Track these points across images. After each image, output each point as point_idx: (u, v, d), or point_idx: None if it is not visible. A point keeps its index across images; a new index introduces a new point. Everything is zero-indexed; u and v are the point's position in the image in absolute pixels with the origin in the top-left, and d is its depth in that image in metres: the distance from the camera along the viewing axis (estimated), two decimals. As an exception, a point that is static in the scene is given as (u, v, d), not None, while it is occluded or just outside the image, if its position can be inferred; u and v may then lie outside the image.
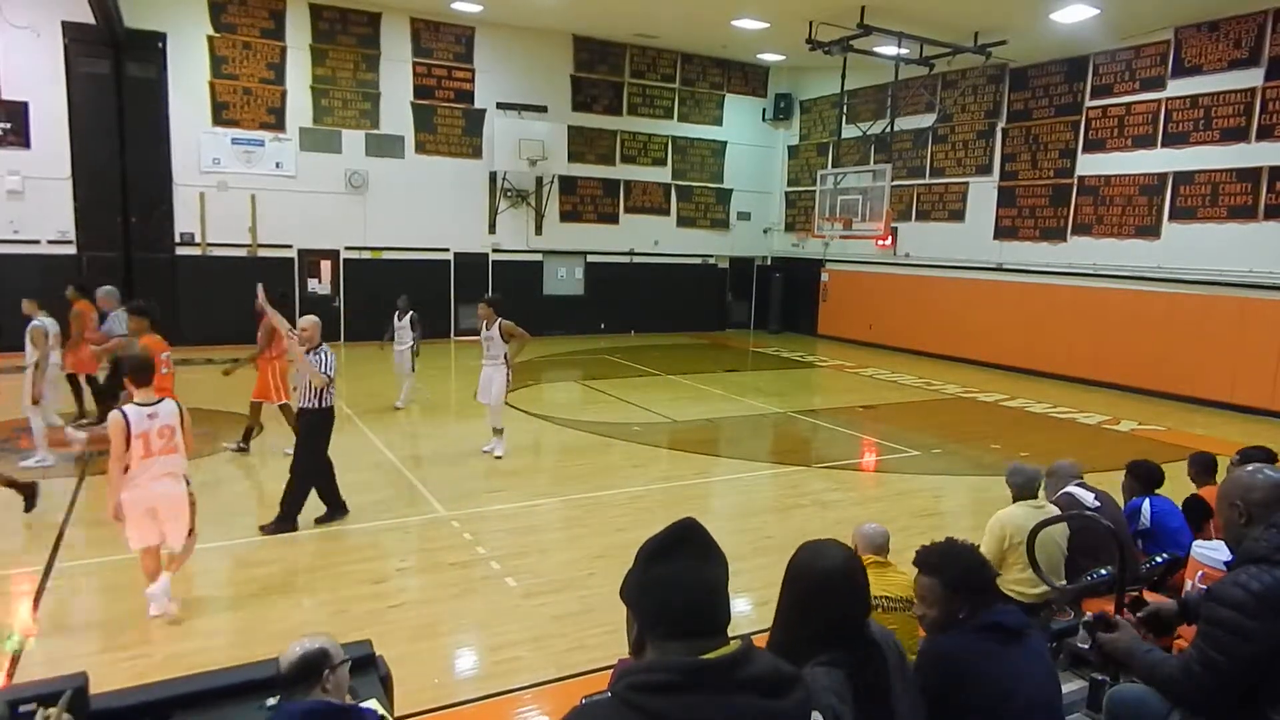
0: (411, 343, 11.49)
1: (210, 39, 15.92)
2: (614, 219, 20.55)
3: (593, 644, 4.98)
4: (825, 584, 2.12)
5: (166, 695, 2.97)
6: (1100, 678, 3.22)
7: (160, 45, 15.51)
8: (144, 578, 5.31)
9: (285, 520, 6.75)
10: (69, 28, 14.60)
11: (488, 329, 9.09)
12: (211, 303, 15.50)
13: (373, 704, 2.97)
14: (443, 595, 5.73)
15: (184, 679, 3.20)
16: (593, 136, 19.88)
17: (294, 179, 16.83)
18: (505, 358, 9.06)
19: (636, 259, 20.90)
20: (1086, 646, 3.51)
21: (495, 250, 19.15)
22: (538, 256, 19.78)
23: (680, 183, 21.22)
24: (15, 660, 4.73)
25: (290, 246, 17.04)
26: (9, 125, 14.50)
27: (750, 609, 5.60)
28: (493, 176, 18.77)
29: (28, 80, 14.49)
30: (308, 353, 6.69)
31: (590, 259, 20.49)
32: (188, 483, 5.37)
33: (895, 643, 2.29)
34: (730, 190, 21.98)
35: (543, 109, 18.93)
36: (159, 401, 5.16)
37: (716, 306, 22.57)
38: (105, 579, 5.98)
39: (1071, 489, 4.89)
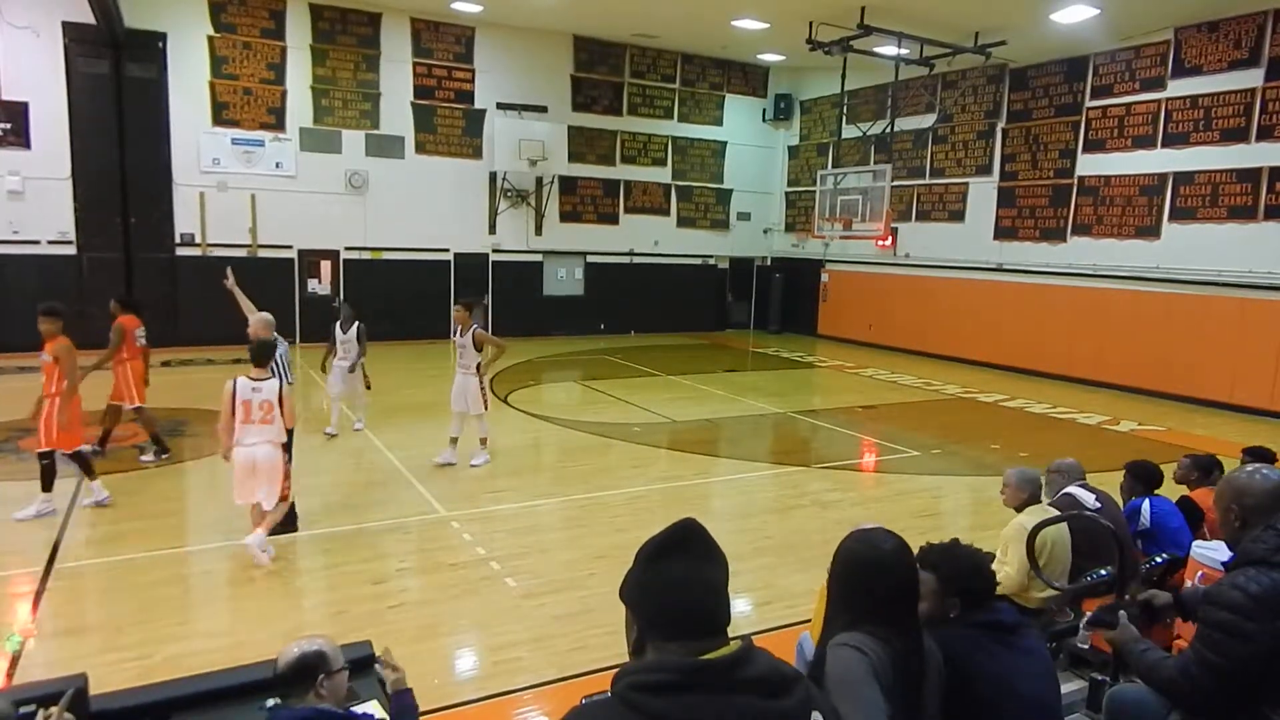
0: (356, 358, 9.94)
1: (210, 39, 15.92)
2: (614, 219, 20.56)
3: (594, 644, 4.98)
4: (880, 563, 2.23)
5: (166, 696, 2.97)
6: (1100, 678, 3.22)
7: (160, 45, 15.51)
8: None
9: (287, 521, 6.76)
10: (69, 28, 14.60)
11: (461, 335, 8.76)
12: (211, 303, 15.43)
13: (373, 706, 2.98)
14: (443, 596, 5.73)
15: (183, 680, 3.20)
16: (593, 136, 19.88)
17: (294, 179, 16.83)
18: (478, 367, 8.74)
19: (636, 259, 20.91)
20: (1086, 646, 3.51)
21: (495, 250, 19.16)
22: (538, 257, 19.79)
23: (680, 183, 21.23)
24: (15, 661, 4.73)
25: (290, 247, 17.05)
26: (9, 125, 14.50)
27: (750, 609, 5.60)
28: (493, 177, 18.78)
29: (28, 80, 14.50)
30: None
31: (590, 259, 20.49)
32: (287, 453, 6.30)
33: (936, 649, 2.36)
34: (730, 190, 21.99)
35: (543, 109, 18.94)
36: (267, 379, 6.14)
37: (716, 307, 22.57)
38: (105, 580, 5.98)
39: (1072, 489, 4.88)
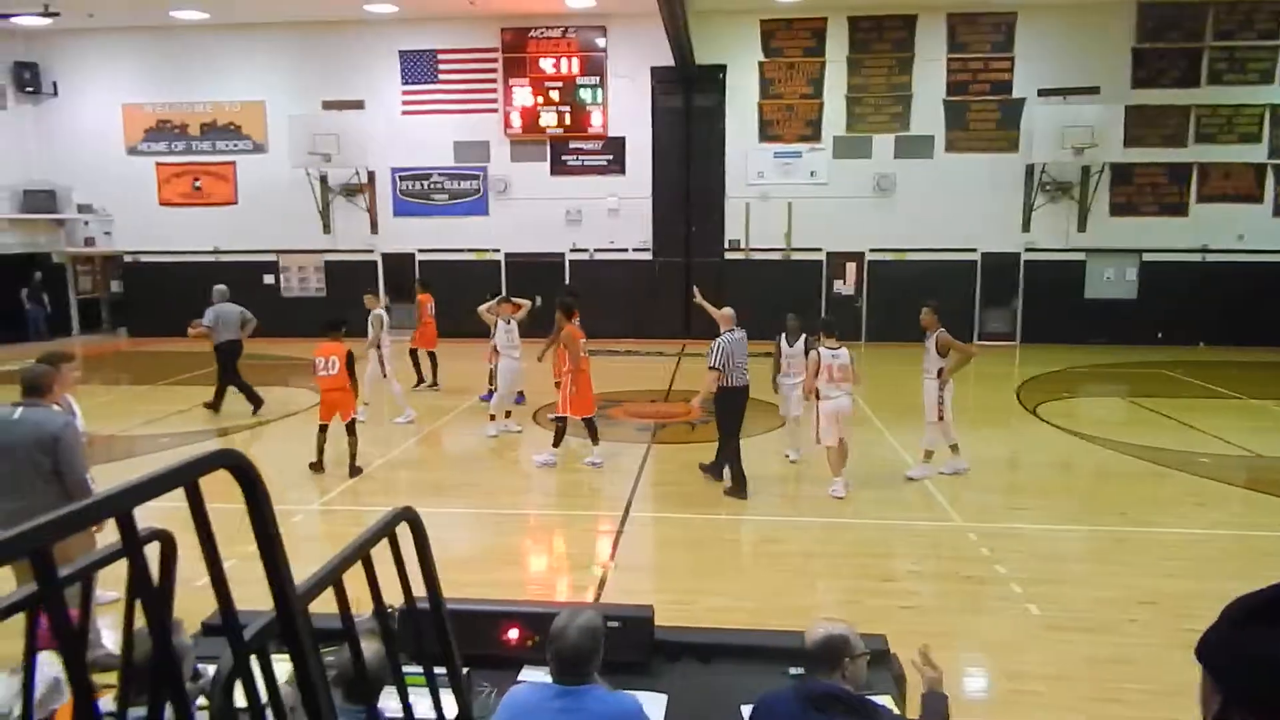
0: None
1: (761, 64, 17.66)
2: (1181, 210, 17.40)
3: (1131, 700, 4.36)
4: None
5: (710, 641, 3.44)
6: None
7: (721, 76, 17.74)
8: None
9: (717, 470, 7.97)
10: (656, 71, 17.57)
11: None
12: (753, 301, 17.13)
13: (887, 700, 3.04)
14: (955, 606, 5.57)
15: (723, 630, 3.66)
16: (1156, 115, 17.08)
17: (826, 186, 17.79)
18: (939, 372, 8.17)
19: (1210, 257, 17.41)
20: None
21: (1028, 250, 17.72)
22: (1079, 255, 17.75)
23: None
24: (601, 584, 5.93)
25: (819, 250, 18.08)
26: (610, 157, 18.05)
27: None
28: (1029, 170, 17.39)
29: (625, 119, 17.85)
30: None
31: (1146, 257, 17.67)
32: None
33: None
34: (1361, 166, 16.93)
35: (1094, 90, 16.89)
36: (838, 349, 7.56)
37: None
38: (663, 532, 7.11)
39: None
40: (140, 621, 1.01)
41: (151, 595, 0.92)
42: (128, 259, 19.50)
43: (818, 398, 7.65)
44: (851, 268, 18.19)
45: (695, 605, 5.48)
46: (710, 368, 7.65)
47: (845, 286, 18.18)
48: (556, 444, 8.76)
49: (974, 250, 17.76)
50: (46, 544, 0.75)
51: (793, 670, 3.14)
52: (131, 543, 0.86)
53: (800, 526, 7.13)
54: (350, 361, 8.39)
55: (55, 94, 18.84)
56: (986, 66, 17.35)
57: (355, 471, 8.39)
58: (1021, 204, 17.62)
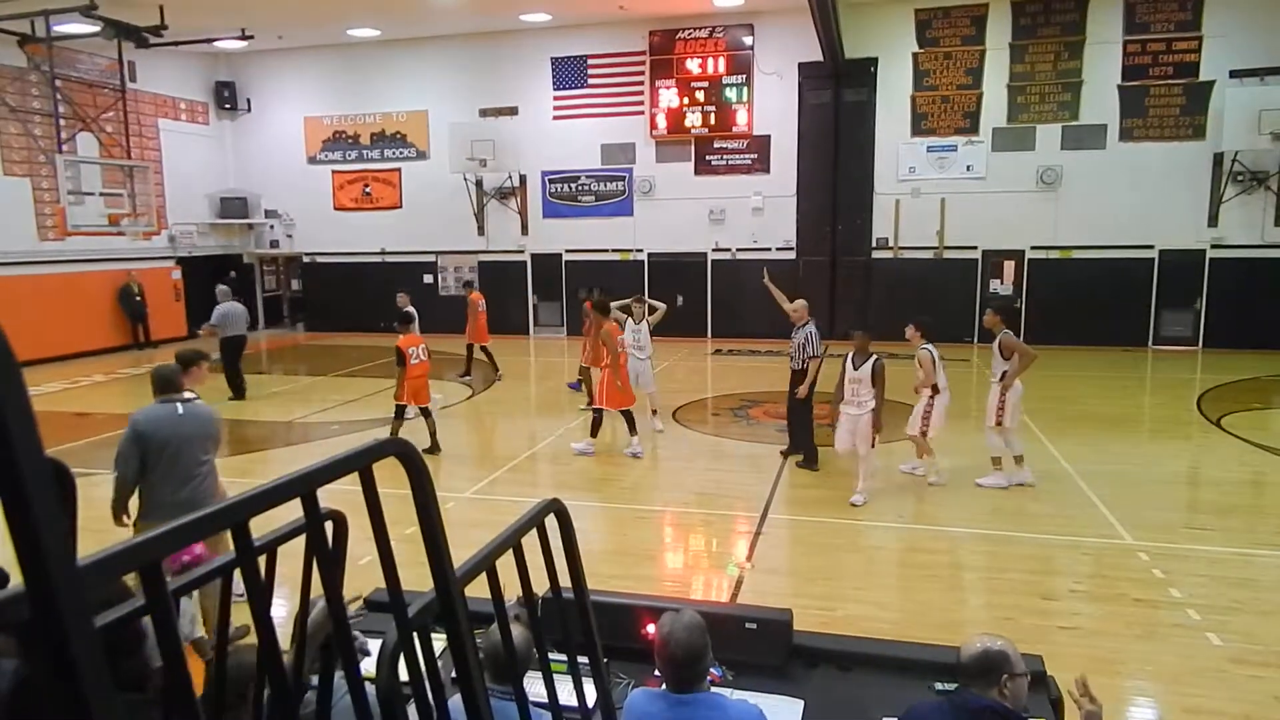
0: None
1: (915, 55, 17.00)
2: (1405, 200, 15.35)
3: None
4: None
5: (850, 650, 3.36)
6: None
7: (872, 70, 17.19)
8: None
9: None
10: (803, 67, 17.26)
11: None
12: (901, 304, 16.56)
13: (1041, 724, 2.87)
14: (1122, 631, 5.16)
15: (865, 639, 3.57)
16: (1377, 94, 15.13)
17: (984, 180, 16.90)
18: (1002, 375, 7.81)
19: None
20: None
21: (1215, 246, 16.14)
22: (1276, 253, 15.99)
23: None
24: (738, 585, 5.92)
25: (975, 248, 17.20)
26: (755, 156, 17.90)
27: None
28: (1217, 159, 15.84)
29: (771, 116, 17.64)
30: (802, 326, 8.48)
31: (1360, 254, 15.70)
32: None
33: None
34: None
35: (1299, 68, 15.17)
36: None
37: None
38: (802, 535, 7.01)
39: None
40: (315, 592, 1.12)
41: (330, 567, 1.02)
42: (306, 260, 21.21)
43: (935, 393, 7.76)
44: (1010, 266, 17.20)
45: (835, 612, 5.37)
46: (813, 356, 8.35)
47: (1003, 286, 17.21)
48: (594, 434, 9.26)
49: (1150, 247, 16.37)
50: (245, 519, 0.84)
51: (939, 685, 3.02)
52: (315, 519, 0.96)
53: (950, 536, 6.83)
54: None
55: (249, 110, 20.75)
56: (1169, 48, 15.94)
57: (435, 448, 9.24)
58: (1208, 196, 16.08)
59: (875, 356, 7.34)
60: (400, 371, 8.84)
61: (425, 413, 9.19)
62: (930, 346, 7.77)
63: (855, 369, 7.38)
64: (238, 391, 12.15)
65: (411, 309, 11.01)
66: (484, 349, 13.58)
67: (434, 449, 9.16)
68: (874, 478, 7.65)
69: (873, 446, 7.42)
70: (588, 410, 10.17)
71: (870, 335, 7.51)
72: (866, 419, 7.29)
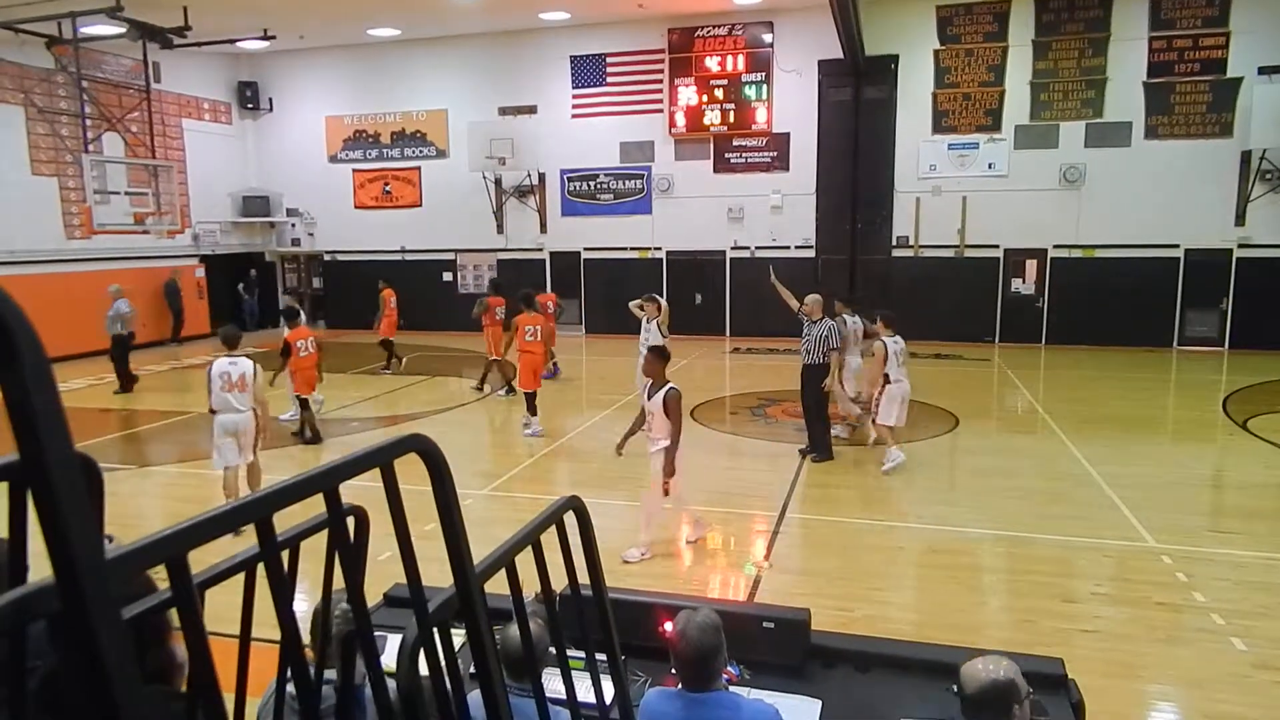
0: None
1: (936, 53, 16.86)
2: None
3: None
4: None
5: (868, 650, 3.34)
6: None
7: (892, 67, 17.07)
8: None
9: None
10: (823, 65, 17.16)
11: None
12: (921, 302, 16.45)
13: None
14: (1145, 635, 5.10)
15: (884, 640, 3.55)
16: None
17: (1005, 178, 16.74)
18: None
19: None
20: None
21: (1242, 245, 15.90)
22: (1306, 251, 15.74)
23: None
24: (755, 584, 5.90)
25: (996, 246, 17.05)
26: (775, 153, 17.83)
27: None
28: (1244, 157, 15.60)
29: (790, 114, 17.57)
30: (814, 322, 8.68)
31: (1393, 253, 15.42)
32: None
33: None
34: None
35: (1331, 65, 14.91)
36: (895, 337, 8.34)
37: None
38: (821, 534, 6.98)
39: None
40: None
41: (353, 562, 1.02)
42: (326, 258, 21.37)
43: (887, 383, 8.36)
44: (1032, 265, 17.04)
45: (853, 612, 5.34)
46: (833, 349, 8.58)
47: (1024, 285, 17.05)
48: (534, 412, 10.07)
49: (1176, 246, 16.16)
50: (269, 514, 0.86)
51: (956, 688, 2.99)
52: (337, 514, 0.96)
53: (970, 538, 6.77)
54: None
55: (271, 109, 20.94)
56: (1196, 44, 15.72)
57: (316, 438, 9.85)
58: (1235, 195, 15.85)
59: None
60: (282, 361, 9.51)
61: (304, 404, 9.75)
62: (894, 339, 8.38)
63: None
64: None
65: (296, 305, 12.23)
66: (386, 342, 14.45)
67: (315, 439, 9.73)
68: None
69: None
70: (508, 398, 11.92)
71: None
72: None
